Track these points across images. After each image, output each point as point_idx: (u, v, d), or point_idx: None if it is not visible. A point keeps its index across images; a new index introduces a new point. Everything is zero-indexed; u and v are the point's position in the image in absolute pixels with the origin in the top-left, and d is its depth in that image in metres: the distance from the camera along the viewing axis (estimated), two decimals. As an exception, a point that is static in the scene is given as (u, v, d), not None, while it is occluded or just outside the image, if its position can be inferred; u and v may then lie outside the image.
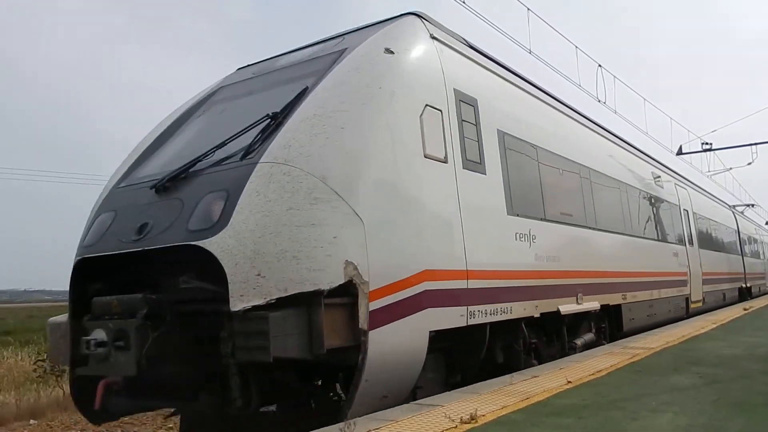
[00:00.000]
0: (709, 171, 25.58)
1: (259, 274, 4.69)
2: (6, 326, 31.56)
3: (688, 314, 14.57)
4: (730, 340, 9.46)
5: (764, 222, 40.12)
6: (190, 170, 5.51)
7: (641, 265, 11.75)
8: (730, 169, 27.22)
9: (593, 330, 9.51)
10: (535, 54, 12.02)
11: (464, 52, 7.33)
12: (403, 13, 6.83)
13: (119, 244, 5.47)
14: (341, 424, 4.27)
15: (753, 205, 36.63)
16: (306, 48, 7.11)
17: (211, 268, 4.84)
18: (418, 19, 6.66)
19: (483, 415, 4.55)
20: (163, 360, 5.01)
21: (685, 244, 15.24)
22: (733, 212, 26.04)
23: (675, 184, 16.19)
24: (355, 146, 5.31)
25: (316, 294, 4.78)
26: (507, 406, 4.93)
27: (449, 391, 5.99)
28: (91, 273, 5.76)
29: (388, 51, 5.97)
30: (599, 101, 14.58)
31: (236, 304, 4.62)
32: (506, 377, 6.33)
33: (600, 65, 14.57)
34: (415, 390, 5.84)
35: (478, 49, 7.78)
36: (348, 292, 4.96)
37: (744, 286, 24.06)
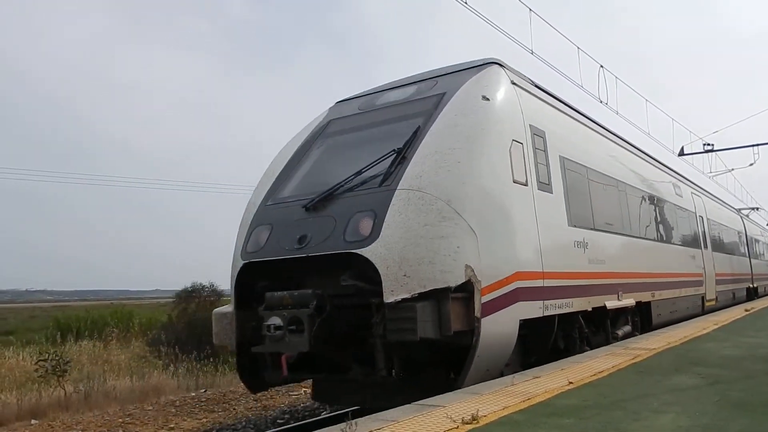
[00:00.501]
0: (710, 172, 25.51)
1: (405, 275, 6.13)
2: (8, 326, 31.61)
3: (704, 311, 15.61)
4: (731, 340, 9.45)
5: (766, 223, 40.12)
6: (334, 193, 6.94)
7: (666, 267, 13.12)
8: (732, 170, 27.21)
9: (630, 323, 10.83)
10: (537, 54, 12.02)
11: (534, 93, 8.78)
12: (486, 61, 8.16)
13: (284, 251, 6.91)
14: (343, 425, 4.28)
15: (758, 209, 37.39)
16: (401, 87, 8.51)
17: (360, 270, 6.35)
18: (501, 68, 8.07)
19: (484, 416, 4.55)
20: (324, 340, 6.42)
21: (701, 248, 16.53)
22: (740, 216, 26.76)
23: (691, 192, 17.59)
24: (468, 176, 6.69)
25: (445, 290, 6.17)
26: (508, 406, 4.93)
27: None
28: (249, 274, 7.26)
29: (485, 98, 7.37)
30: (601, 102, 14.56)
31: (389, 297, 6.09)
32: (507, 378, 6.35)
33: (602, 66, 14.55)
34: (504, 367, 7.10)
35: (542, 87, 9.29)
36: (465, 288, 6.29)
37: (751, 286, 24.79)
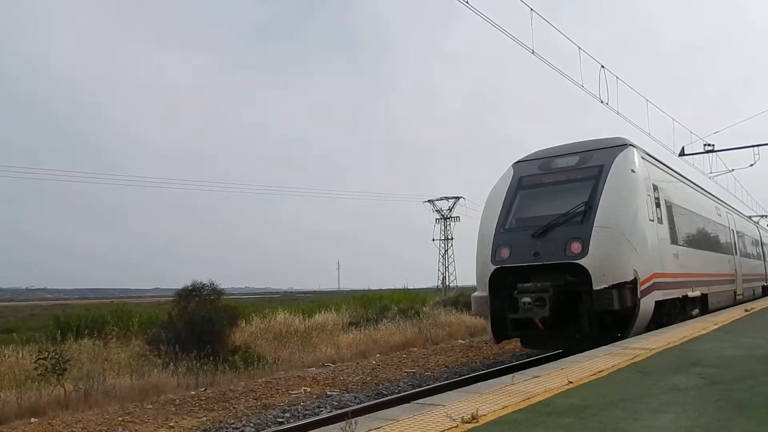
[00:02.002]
0: (711, 172, 25.48)
1: (603, 275, 10.81)
2: (8, 324, 31.57)
3: (735, 303, 20.29)
4: (731, 341, 9.46)
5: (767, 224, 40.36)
6: (551, 226, 11.50)
7: (715, 269, 18.10)
8: (732, 170, 27.20)
9: (697, 308, 15.47)
10: (538, 54, 12.06)
11: (650, 161, 13.53)
12: (623, 142, 12.64)
13: (525, 260, 11.49)
14: (342, 423, 4.27)
15: (766, 216, 41.75)
16: (566, 156, 12.90)
17: (573, 273, 11.01)
18: (634, 148, 12.59)
19: (484, 415, 4.56)
20: (555, 310, 10.90)
21: (733, 254, 21.65)
22: (756, 226, 30.84)
23: (726, 212, 22.64)
24: (631, 219, 11.55)
25: (623, 283, 10.89)
26: (508, 405, 4.94)
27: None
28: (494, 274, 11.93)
29: (632, 171, 12.04)
30: (602, 102, 14.59)
31: (596, 286, 10.75)
32: (507, 377, 6.36)
33: (603, 66, 14.57)
34: (644, 329, 11.49)
35: (651, 155, 14.01)
36: (632, 282, 11.01)
37: (765, 284, 28.59)
